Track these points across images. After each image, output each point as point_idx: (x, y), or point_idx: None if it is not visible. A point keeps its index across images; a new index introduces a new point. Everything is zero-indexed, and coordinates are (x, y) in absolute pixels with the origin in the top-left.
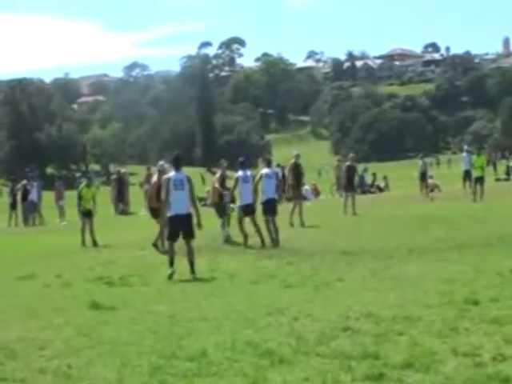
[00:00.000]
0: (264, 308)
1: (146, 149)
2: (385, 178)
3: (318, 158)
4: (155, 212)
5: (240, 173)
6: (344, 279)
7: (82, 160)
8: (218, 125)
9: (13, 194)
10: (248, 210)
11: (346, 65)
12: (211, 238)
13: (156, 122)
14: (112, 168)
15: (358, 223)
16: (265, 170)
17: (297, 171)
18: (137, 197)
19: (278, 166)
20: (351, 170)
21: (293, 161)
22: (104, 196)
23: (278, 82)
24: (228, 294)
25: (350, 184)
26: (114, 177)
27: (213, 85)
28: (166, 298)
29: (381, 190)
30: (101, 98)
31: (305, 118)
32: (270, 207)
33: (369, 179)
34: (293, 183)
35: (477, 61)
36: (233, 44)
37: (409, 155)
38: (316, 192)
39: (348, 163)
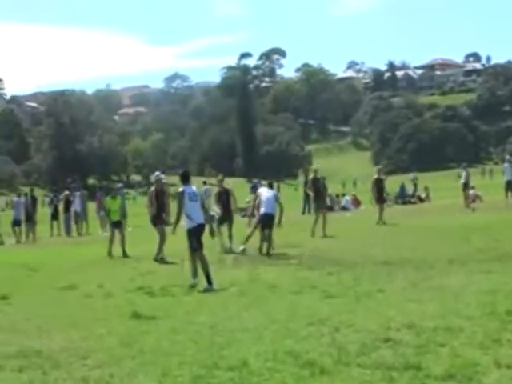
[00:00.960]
0: (305, 318)
1: (187, 159)
2: (426, 188)
3: (358, 169)
4: (153, 219)
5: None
6: (385, 290)
7: (123, 171)
8: (258, 135)
9: (53, 205)
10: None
11: (387, 75)
12: (252, 248)
13: (197, 133)
14: (153, 179)
15: (399, 233)
16: (263, 190)
17: (317, 185)
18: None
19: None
20: (379, 183)
21: (312, 176)
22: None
23: (319, 92)
24: (268, 304)
25: (380, 196)
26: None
27: (253, 95)
28: (206, 308)
29: (422, 200)
30: (142, 109)
31: (345, 129)
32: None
33: (410, 189)
34: (313, 196)
35: None
36: (273, 55)
37: (450, 165)
38: (356, 202)
39: (376, 176)
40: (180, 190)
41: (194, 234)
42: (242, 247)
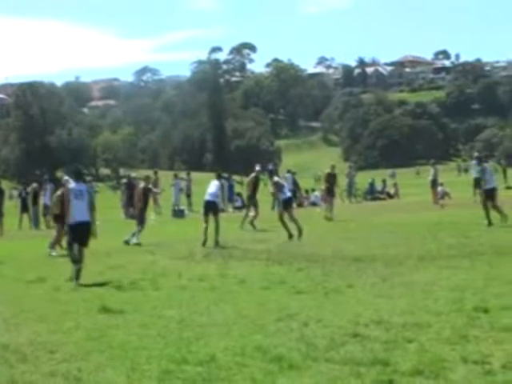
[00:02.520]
0: (274, 313)
1: (157, 154)
2: (395, 184)
3: (328, 165)
4: (57, 218)
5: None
6: (354, 285)
7: (93, 164)
8: (228, 130)
9: (22, 198)
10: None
11: (357, 71)
12: (221, 243)
13: (167, 127)
14: (122, 172)
15: (368, 230)
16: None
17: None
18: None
19: (289, 171)
20: (331, 178)
21: (254, 174)
22: (114, 200)
23: (289, 87)
24: (238, 299)
25: (330, 191)
26: (124, 181)
27: (223, 90)
28: (175, 302)
29: (391, 196)
30: (112, 102)
31: (315, 124)
32: (208, 208)
33: (379, 186)
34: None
35: (487, 68)
36: (243, 49)
37: (419, 162)
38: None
39: (328, 171)
40: (69, 186)
41: (71, 231)
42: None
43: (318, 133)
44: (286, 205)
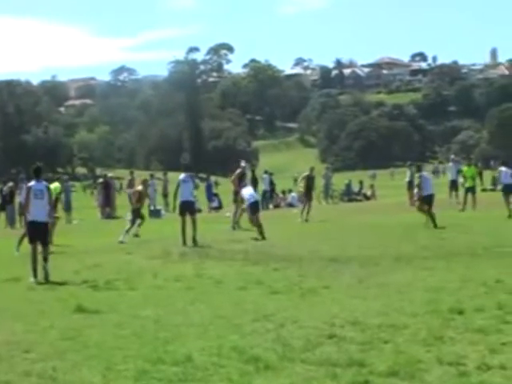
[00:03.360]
0: (250, 314)
1: (133, 153)
2: (371, 186)
3: (306, 165)
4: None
5: (32, 183)
6: (330, 286)
7: (69, 163)
8: (205, 130)
9: (3, 195)
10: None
11: (334, 72)
12: (199, 242)
13: (144, 127)
14: (99, 172)
15: (345, 231)
16: (181, 176)
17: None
18: (123, 201)
19: (266, 172)
20: (309, 181)
21: (239, 170)
22: (91, 200)
23: (266, 88)
24: (214, 299)
25: (308, 193)
26: (100, 181)
27: (201, 90)
28: (151, 302)
29: (367, 198)
30: (88, 101)
31: (293, 125)
32: (185, 208)
33: (355, 187)
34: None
35: (464, 71)
36: (221, 50)
37: (396, 164)
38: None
39: (307, 173)
40: (28, 184)
41: (29, 229)
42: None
43: (295, 134)
44: (253, 209)
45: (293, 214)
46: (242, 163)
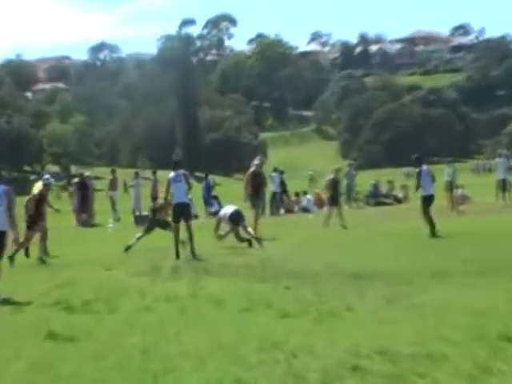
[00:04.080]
0: (256, 342)
1: (116, 148)
2: (403, 186)
3: (323, 162)
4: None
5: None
6: (353, 308)
7: (37, 160)
8: (202, 120)
9: None
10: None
11: (358, 50)
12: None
13: (128, 116)
14: (74, 170)
15: (370, 240)
16: (171, 174)
17: (258, 180)
18: (104, 205)
19: (276, 170)
20: (335, 184)
21: (252, 169)
22: (65, 204)
23: (276, 69)
24: (213, 324)
25: (335, 197)
26: (75, 181)
27: (197, 71)
28: (138, 328)
29: (399, 200)
30: (61, 85)
31: (307, 114)
32: (179, 212)
33: (384, 188)
34: (250, 192)
35: None
36: (221, 22)
37: (432, 160)
38: (320, 202)
39: (331, 176)
40: None
41: None
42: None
43: (311, 124)
44: (235, 220)
45: (308, 220)
46: (256, 160)
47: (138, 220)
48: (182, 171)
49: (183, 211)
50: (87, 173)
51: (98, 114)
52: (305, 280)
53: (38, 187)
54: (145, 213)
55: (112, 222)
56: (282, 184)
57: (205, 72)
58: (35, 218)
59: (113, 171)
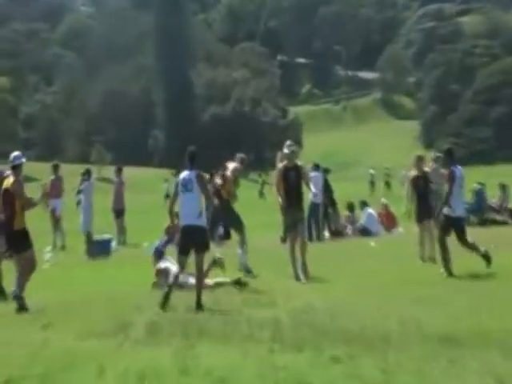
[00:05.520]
0: None
1: (56, 130)
2: None
3: (393, 154)
4: None
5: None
6: None
7: None
8: (198, 86)
9: None
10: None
11: None
12: (185, 307)
13: (78, 79)
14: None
15: (471, 282)
16: (183, 175)
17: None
18: (38, 223)
19: (317, 167)
20: (421, 182)
21: (283, 163)
22: None
23: (317, 3)
24: None
25: (423, 208)
26: None
27: (188, 7)
28: None
29: None
30: None
31: (368, 76)
32: (187, 240)
33: (494, 196)
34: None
35: None
36: None
37: None
38: (389, 220)
39: (414, 172)
40: None
41: None
42: None
43: (373, 91)
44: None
45: (370, 248)
46: (285, 148)
47: (96, 247)
48: (194, 173)
49: (193, 239)
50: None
51: (28, 74)
52: (365, 347)
53: None
54: (107, 235)
55: (50, 250)
56: (327, 190)
57: (202, 9)
58: None
59: (55, 168)
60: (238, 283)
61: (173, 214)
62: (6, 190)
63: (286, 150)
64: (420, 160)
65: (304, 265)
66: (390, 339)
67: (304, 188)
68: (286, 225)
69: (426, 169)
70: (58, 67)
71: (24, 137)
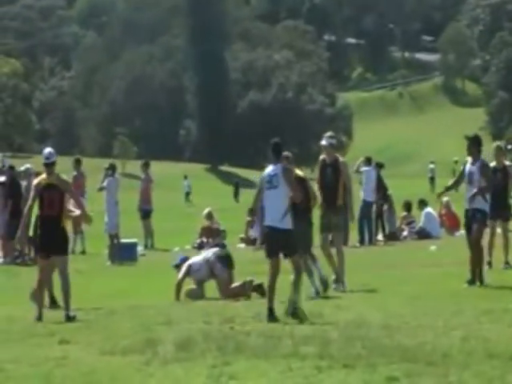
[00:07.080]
0: None
1: (74, 121)
2: None
3: (457, 147)
4: None
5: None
6: None
7: None
8: (234, 70)
9: None
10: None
11: None
12: (220, 319)
13: (98, 64)
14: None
15: None
16: (268, 170)
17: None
18: None
19: (369, 162)
20: (499, 176)
21: (322, 156)
22: None
23: None
24: None
25: (501, 206)
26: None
27: None
28: None
29: None
30: None
31: (427, 58)
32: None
33: None
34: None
35: None
36: None
37: None
38: (452, 221)
39: (493, 163)
40: None
41: None
42: None
43: (434, 75)
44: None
45: (430, 253)
46: (324, 140)
47: (120, 252)
48: (280, 167)
49: (278, 243)
50: (27, 165)
51: (43, 57)
52: (425, 365)
53: None
54: (132, 239)
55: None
56: (381, 187)
57: None
58: None
59: (77, 163)
60: (260, 289)
61: (257, 213)
62: (51, 185)
63: (324, 142)
64: (500, 151)
65: (337, 274)
66: (452, 356)
67: (355, 186)
68: (320, 228)
69: (507, 162)
70: (76, 48)
71: (38, 128)
